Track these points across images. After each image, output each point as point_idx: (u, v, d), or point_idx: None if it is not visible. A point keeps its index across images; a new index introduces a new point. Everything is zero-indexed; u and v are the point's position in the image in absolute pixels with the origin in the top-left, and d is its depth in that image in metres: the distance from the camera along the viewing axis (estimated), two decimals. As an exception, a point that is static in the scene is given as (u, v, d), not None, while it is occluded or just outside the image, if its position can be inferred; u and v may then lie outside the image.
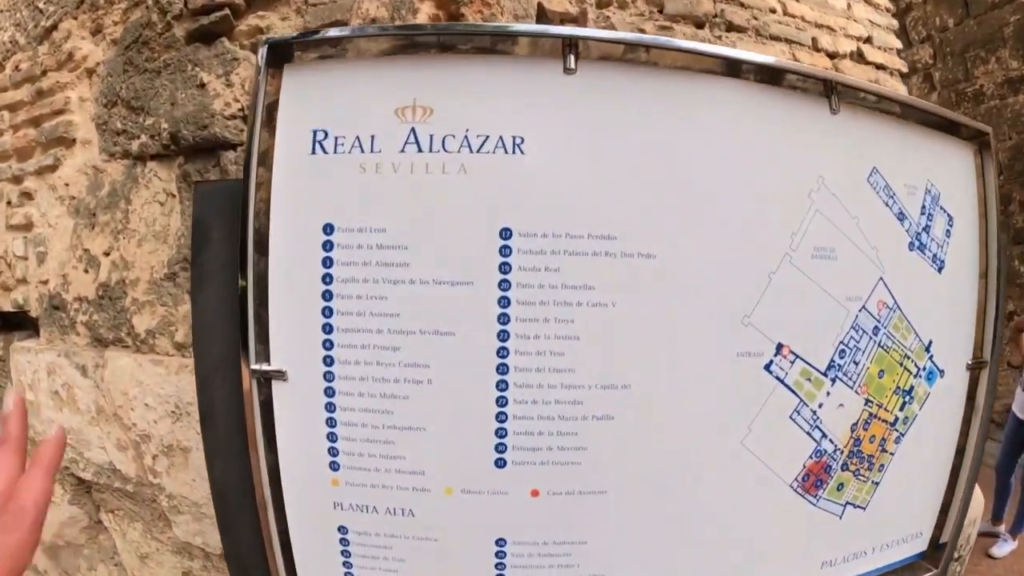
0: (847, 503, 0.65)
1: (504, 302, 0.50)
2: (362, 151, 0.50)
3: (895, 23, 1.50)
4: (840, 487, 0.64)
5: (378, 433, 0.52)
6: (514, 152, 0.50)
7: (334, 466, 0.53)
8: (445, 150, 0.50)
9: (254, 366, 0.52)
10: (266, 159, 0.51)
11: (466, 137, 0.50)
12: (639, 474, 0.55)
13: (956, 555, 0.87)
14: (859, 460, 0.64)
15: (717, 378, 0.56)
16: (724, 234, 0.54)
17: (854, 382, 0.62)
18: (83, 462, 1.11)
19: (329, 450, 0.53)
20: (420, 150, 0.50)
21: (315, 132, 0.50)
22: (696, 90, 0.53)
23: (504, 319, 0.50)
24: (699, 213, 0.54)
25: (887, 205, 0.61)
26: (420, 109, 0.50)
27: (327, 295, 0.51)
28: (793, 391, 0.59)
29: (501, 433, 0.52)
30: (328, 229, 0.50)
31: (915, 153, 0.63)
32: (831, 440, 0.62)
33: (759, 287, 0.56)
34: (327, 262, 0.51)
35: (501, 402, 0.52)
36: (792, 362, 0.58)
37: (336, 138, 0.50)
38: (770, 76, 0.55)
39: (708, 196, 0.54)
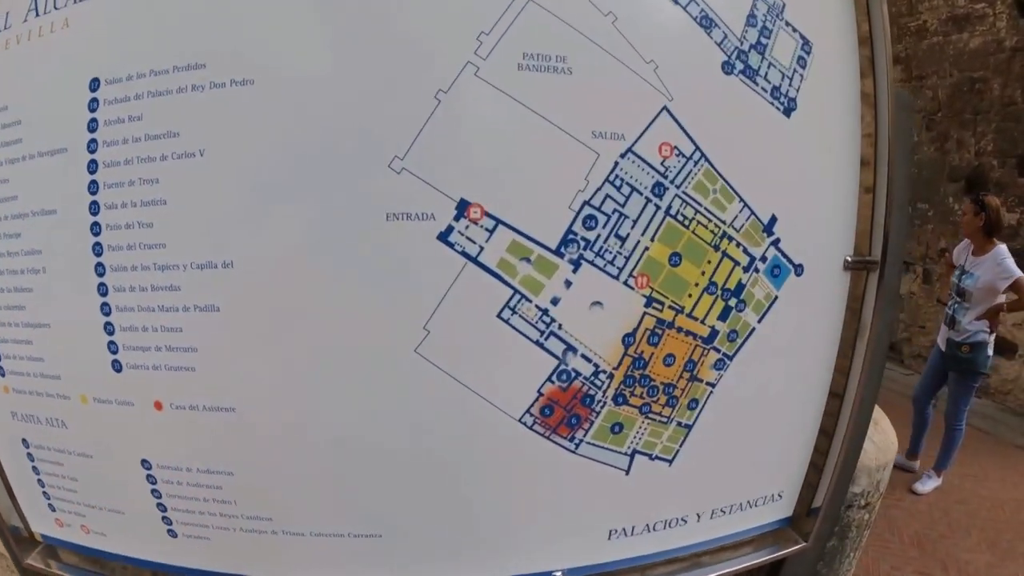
0: (634, 451, 0.39)
1: (92, 166, 0.39)
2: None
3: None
4: (617, 429, 0.39)
5: (16, 332, 0.44)
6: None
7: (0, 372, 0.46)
8: (56, 8, 0.42)
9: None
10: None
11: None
12: (270, 387, 0.39)
13: (849, 513, 0.52)
14: (647, 390, 0.38)
15: (363, 253, 0.37)
16: (354, 33, 0.35)
17: (620, 268, 0.37)
18: None
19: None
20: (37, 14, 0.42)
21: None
22: None
23: (94, 187, 0.39)
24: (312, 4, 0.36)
25: (676, 1, 0.38)
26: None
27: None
28: (498, 276, 0.37)
29: (109, 328, 0.40)
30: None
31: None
32: (586, 356, 0.38)
33: (418, 114, 0.35)
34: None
35: (102, 290, 0.40)
36: (489, 230, 0.37)
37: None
38: None
39: None
